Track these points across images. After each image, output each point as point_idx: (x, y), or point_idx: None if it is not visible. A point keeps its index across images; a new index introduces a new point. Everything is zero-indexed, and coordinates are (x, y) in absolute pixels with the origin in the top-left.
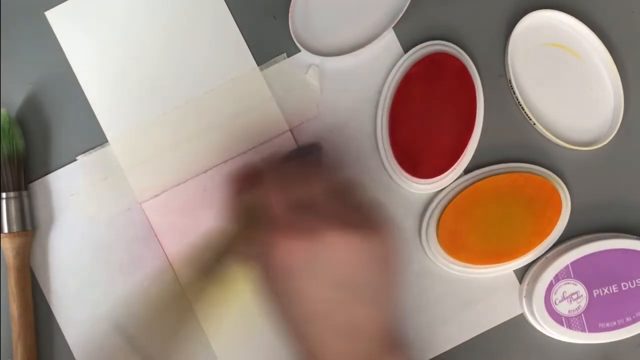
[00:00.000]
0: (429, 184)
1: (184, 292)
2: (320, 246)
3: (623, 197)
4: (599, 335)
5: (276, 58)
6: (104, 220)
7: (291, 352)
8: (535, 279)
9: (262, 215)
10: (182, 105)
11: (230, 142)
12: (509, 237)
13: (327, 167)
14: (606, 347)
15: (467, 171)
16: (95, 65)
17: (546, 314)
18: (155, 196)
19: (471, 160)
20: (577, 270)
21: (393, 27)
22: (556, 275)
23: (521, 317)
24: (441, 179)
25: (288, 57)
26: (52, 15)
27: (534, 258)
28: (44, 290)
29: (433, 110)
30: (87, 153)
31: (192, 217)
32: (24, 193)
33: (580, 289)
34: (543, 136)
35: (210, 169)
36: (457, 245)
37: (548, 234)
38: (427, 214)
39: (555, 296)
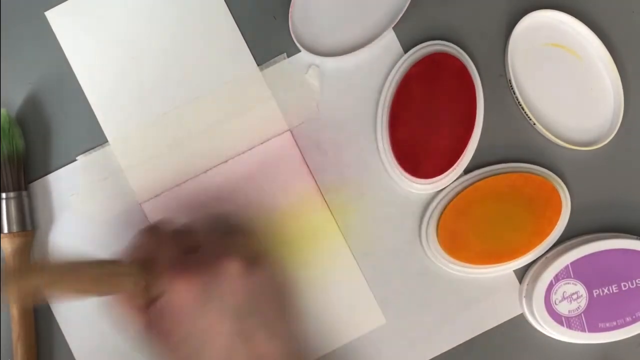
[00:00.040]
0: (429, 184)
1: None
2: (211, 278)
3: (623, 197)
4: (599, 335)
5: (276, 58)
6: (104, 220)
7: None
8: (535, 279)
9: (154, 265)
10: (182, 105)
11: (230, 142)
12: (509, 237)
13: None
14: (606, 347)
15: (467, 171)
16: (95, 65)
17: (546, 314)
18: (155, 196)
19: (471, 160)
20: (577, 270)
21: (393, 27)
22: (556, 275)
23: (521, 317)
24: (441, 179)
25: (288, 57)
26: (52, 15)
27: (534, 258)
28: None
29: (433, 110)
30: (87, 153)
31: (192, 218)
32: (24, 193)
33: (580, 289)
34: (543, 136)
35: (210, 169)
36: (457, 245)
37: (548, 234)
38: (427, 214)
39: (555, 296)
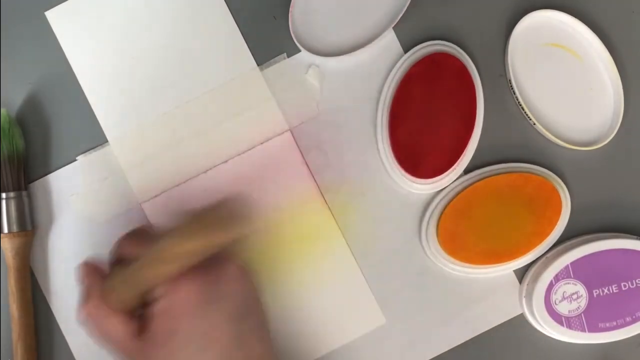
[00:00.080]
0: (429, 184)
1: None
2: (212, 281)
3: (623, 197)
4: (599, 335)
5: (276, 58)
6: (104, 220)
7: None
8: (535, 279)
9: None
10: (182, 105)
11: (230, 142)
12: (509, 237)
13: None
14: (606, 347)
15: (467, 171)
16: (95, 65)
17: (546, 314)
18: (155, 196)
19: (471, 160)
20: (577, 270)
21: (393, 27)
22: (556, 275)
23: (521, 317)
24: (441, 179)
25: (288, 57)
26: (52, 15)
27: (534, 258)
28: (44, 291)
29: (433, 110)
30: (87, 153)
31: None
32: (24, 193)
33: (580, 289)
34: (543, 136)
35: (210, 169)
36: (457, 245)
37: (548, 234)
38: (427, 214)
39: (555, 296)
